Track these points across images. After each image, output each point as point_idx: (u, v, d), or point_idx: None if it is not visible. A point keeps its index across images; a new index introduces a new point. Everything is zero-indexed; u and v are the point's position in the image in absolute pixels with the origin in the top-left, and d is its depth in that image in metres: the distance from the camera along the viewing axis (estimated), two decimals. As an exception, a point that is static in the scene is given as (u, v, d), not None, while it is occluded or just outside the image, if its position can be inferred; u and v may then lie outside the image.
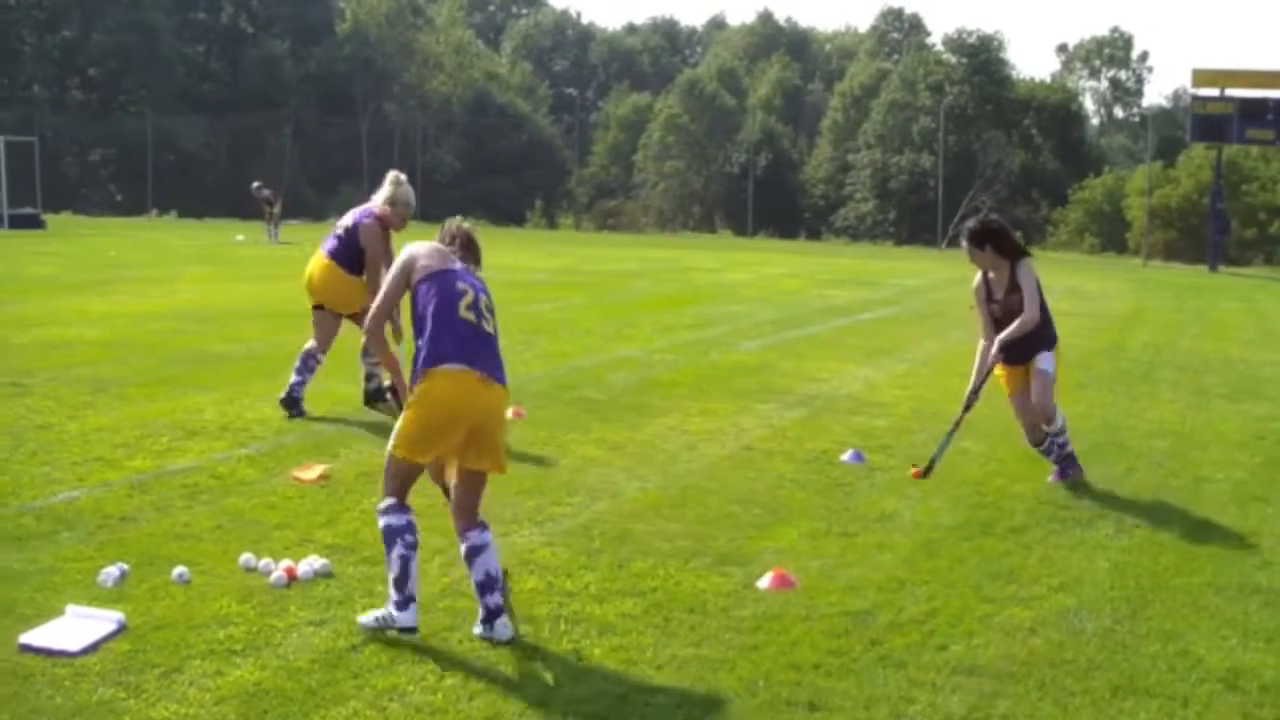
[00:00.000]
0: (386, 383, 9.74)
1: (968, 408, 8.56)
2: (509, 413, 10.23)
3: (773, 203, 70.39)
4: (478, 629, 5.41)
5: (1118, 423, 10.93)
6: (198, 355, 13.07)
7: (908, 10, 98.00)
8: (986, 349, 8.47)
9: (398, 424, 5.58)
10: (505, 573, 5.71)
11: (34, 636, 5.14)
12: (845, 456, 9.10)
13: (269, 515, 7.10)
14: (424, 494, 7.64)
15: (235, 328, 15.65)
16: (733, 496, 7.92)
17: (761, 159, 72.36)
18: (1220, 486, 8.61)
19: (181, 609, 5.58)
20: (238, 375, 11.71)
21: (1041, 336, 8.32)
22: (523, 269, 29.14)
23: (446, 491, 5.82)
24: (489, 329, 5.69)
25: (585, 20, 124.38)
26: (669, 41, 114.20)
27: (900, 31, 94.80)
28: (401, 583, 5.33)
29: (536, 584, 6.05)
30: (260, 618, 5.50)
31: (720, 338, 16.54)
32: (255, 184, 42.49)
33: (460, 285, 5.68)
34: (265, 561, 6.14)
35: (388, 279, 5.89)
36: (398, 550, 5.36)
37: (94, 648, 5.09)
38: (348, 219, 10.24)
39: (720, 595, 6.01)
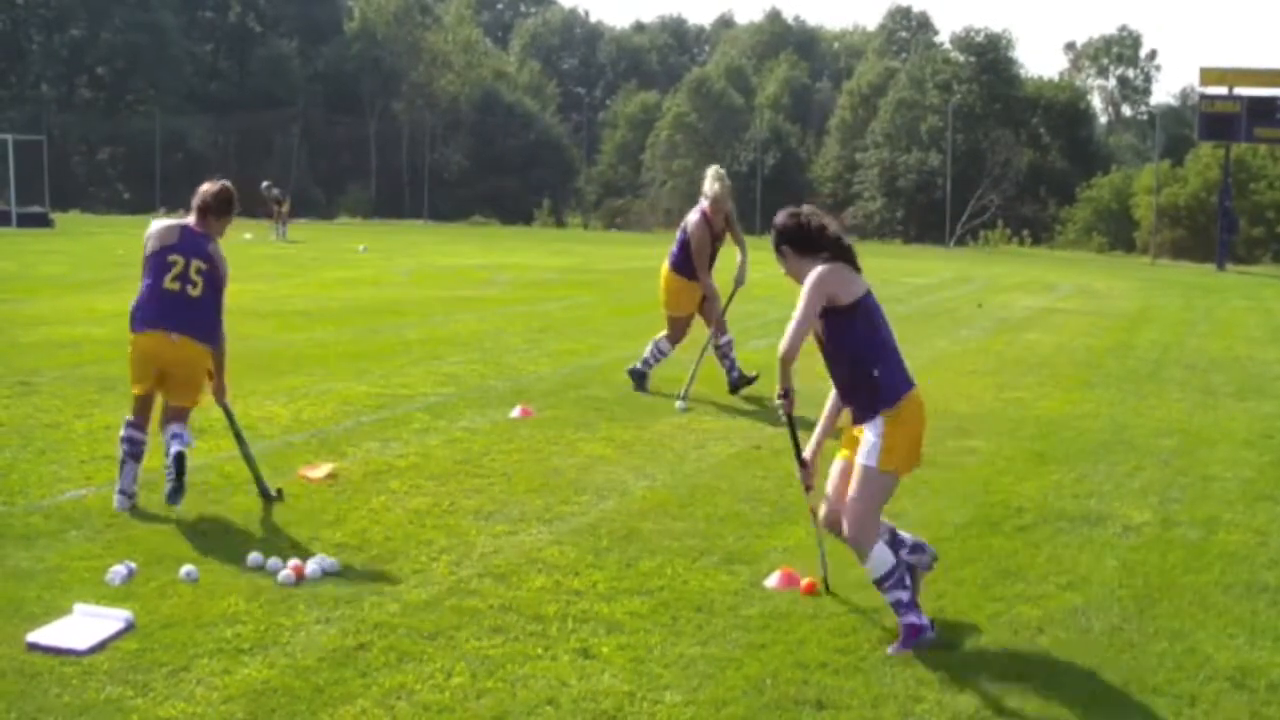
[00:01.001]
0: (751, 374, 11.61)
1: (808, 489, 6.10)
2: (517, 411, 10.28)
3: (780, 201, 69.48)
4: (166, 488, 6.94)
5: (1125, 421, 10.91)
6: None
7: (916, 9, 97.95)
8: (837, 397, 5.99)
9: None
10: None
11: (42, 635, 5.15)
12: (853, 455, 9.08)
13: (277, 514, 7.11)
14: (424, 493, 7.66)
15: (242, 327, 15.62)
16: (741, 495, 7.92)
17: (769, 158, 72.30)
18: (1228, 485, 8.59)
19: (189, 607, 5.58)
20: (244, 374, 11.69)
21: (865, 386, 5.71)
22: (530, 268, 29.15)
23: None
24: (193, 293, 7.14)
25: (593, 19, 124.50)
26: (677, 40, 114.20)
27: (908, 30, 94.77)
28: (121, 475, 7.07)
29: (544, 582, 6.06)
30: (268, 616, 5.51)
31: (728, 336, 16.49)
32: (265, 184, 42.59)
33: (171, 258, 7.14)
34: (273, 560, 6.15)
35: None
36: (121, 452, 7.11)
37: (102, 646, 5.09)
38: (686, 223, 11.53)
39: (728, 594, 6.01)
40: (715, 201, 11.11)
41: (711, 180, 11.19)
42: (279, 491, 7.32)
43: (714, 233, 11.25)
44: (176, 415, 7.23)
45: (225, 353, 7.43)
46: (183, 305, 7.10)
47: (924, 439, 5.74)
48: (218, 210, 7.34)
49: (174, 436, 7.05)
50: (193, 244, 7.20)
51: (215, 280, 7.25)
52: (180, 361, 7.16)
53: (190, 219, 7.32)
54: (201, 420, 9.53)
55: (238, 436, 7.31)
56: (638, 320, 18.07)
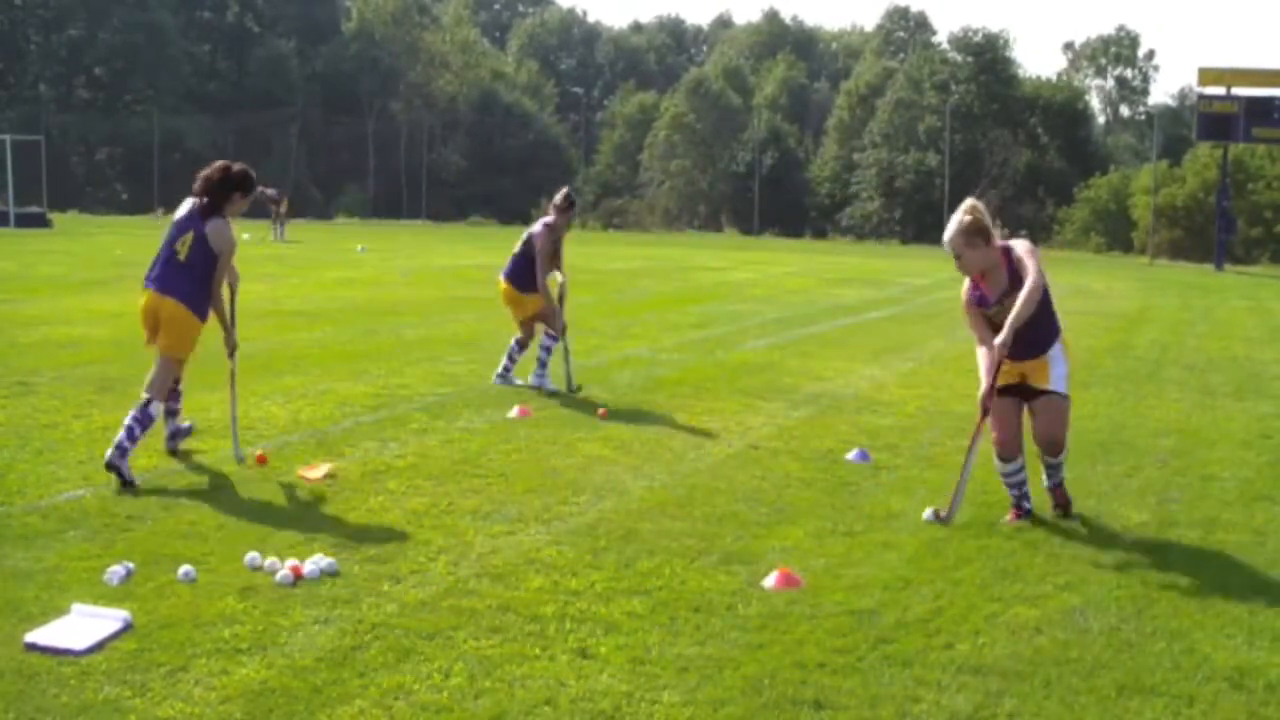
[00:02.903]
0: None
1: None
2: (515, 411, 10.29)
3: (778, 201, 70.45)
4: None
5: (1124, 421, 10.91)
6: (202, 354, 12.97)
7: (914, 9, 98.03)
8: None
9: None
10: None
11: (40, 635, 5.15)
12: (851, 455, 9.09)
13: (275, 514, 7.11)
14: (422, 493, 7.65)
15: (241, 327, 15.54)
16: (739, 495, 7.91)
17: (767, 158, 72.38)
18: (1226, 485, 8.59)
19: (187, 607, 5.58)
20: (243, 374, 11.66)
21: None
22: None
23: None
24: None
25: (591, 19, 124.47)
26: (675, 40, 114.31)
27: (906, 30, 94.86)
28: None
29: (542, 583, 6.05)
30: (266, 616, 5.50)
31: (726, 336, 16.53)
32: (259, 188, 42.60)
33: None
34: (271, 560, 6.14)
35: None
36: None
37: (100, 646, 5.09)
38: None
39: (726, 594, 6.00)
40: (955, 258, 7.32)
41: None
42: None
43: (984, 298, 7.33)
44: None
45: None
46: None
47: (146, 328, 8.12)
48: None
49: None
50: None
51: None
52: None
53: None
54: (200, 421, 9.55)
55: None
56: (636, 320, 18.08)
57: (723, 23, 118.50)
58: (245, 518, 7.01)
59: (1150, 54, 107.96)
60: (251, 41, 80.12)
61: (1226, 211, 43.10)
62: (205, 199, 8.06)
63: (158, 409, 7.92)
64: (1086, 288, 28.92)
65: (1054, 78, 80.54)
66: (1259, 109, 42.09)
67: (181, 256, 7.98)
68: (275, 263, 28.73)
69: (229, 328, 8.47)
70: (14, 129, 53.96)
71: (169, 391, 8.15)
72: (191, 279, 7.99)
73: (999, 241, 7.27)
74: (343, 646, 5.19)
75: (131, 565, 6.00)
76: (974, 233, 7.18)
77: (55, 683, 4.77)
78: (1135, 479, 8.70)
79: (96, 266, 25.48)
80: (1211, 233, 45.02)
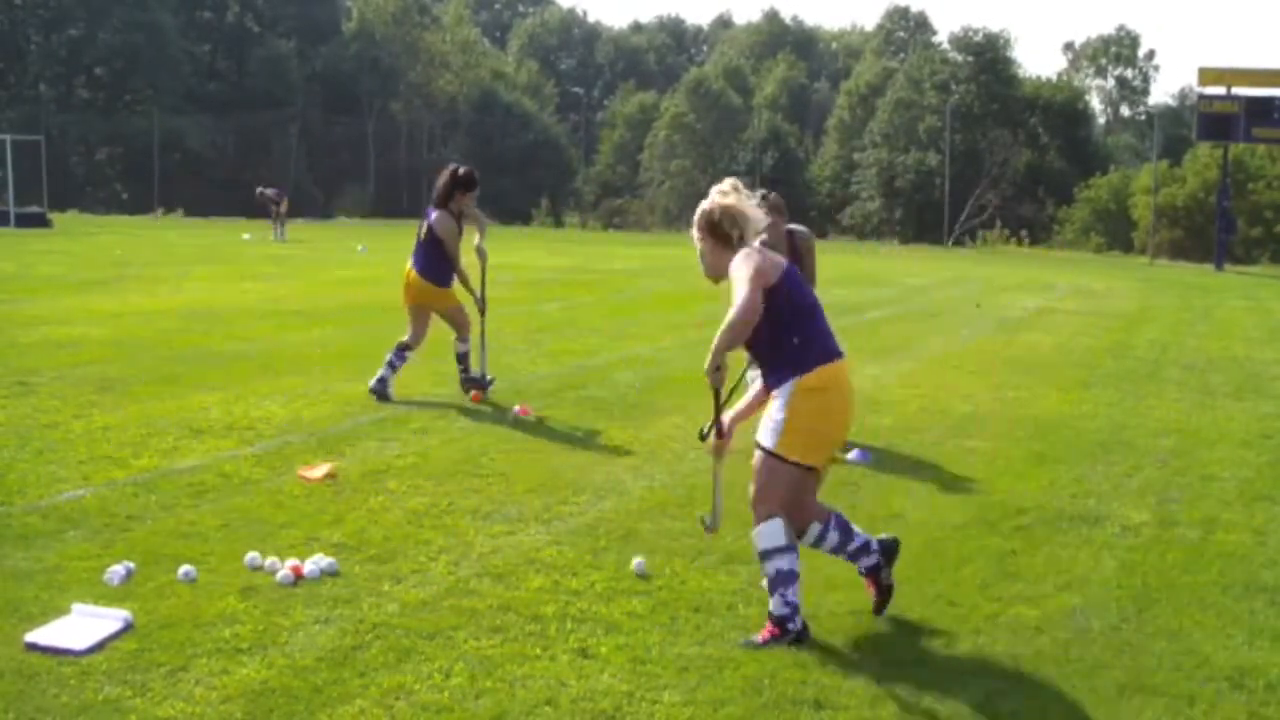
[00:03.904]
0: None
1: None
2: (515, 411, 10.30)
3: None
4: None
5: (1124, 421, 10.91)
6: (204, 354, 13.07)
7: (914, 8, 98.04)
8: None
9: None
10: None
11: (40, 635, 5.15)
12: (852, 455, 9.08)
13: (275, 514, 7.11)
14: (422, 493, 7.65)
15: (241, 327, 15.65)
16: (739, 495, 7.87)
17: (768, 158, 72.36)
18: (1226, 485, 8.59)
19: (187, 607, 5.58)
20: (244, 374, 11.71)
21: None
22: (529, 267, 29.14)
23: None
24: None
25: (591, 19, 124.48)
26: (675, 40, 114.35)
27: (906, 30, 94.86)
28: None
29: (543, 582, 6.05)
30: (266, 616, 5.50)
31: (726, 336, 16.50)
32: (259, 189, 43.00)
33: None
34: (271, 560, 6.14)
35: None
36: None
37: (100, 646, 5.09)
38: None
39: (726, 594, 6.00)
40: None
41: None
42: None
43: None
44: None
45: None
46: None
47: None
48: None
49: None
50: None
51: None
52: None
53: None
54: (200, 421, 9.56)
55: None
56: (636, 320, 18.08)
57: (723, 23, 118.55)
58: (245, 518, 7.01)
59: (1150, 54, 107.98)
60: (251, 41, 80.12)
61: (1227, 211, 43.04)
62: (437, 195, 10.60)
63: (410, 354, 10.90)
64: (1086, 288, 28.92)
65: (1054, 78, 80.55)
66: (1259, 109, 42.04)
67: (422, 238, 10.71)
68: (275, 263, 28.73)
69: (473, 291, 10.93)
70: (14, 129, 53.96)
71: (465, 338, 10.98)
72: (426, 256, 10.69)
73: (742, 249, 5.49)
74: (343, 646, 5.20)
75: (131, 565, 6.00)
76: (705, 226, 5.54)
77: (55, 683, 4.77)
78: (1135, 479, 8.70)
79: (96, 266, 25.48)
80: (1211, 233, 44.96)
